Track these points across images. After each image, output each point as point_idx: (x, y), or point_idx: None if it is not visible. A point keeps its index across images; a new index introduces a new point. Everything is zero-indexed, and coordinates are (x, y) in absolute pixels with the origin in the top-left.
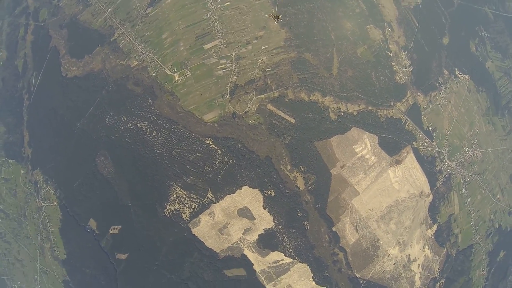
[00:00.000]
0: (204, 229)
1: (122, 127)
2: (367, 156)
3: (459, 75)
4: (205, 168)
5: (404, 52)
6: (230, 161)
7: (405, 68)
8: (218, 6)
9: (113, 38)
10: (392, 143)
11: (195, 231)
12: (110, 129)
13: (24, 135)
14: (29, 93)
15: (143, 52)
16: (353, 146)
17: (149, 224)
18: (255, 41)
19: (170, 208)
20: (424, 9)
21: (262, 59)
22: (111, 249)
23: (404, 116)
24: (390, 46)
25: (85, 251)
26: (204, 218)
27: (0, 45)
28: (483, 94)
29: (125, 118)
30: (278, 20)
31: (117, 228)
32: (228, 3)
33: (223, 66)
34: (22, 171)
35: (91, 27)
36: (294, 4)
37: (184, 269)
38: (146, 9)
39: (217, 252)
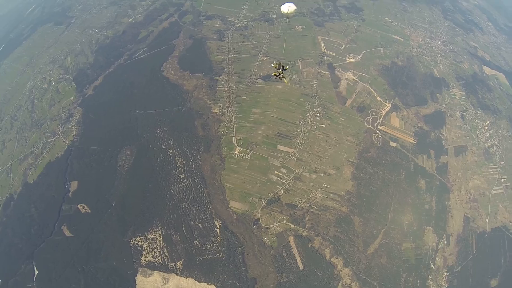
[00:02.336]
0: (147, 285)
1: (163, 147)
2: None
3: None
4: (195, 241)
5: (447, 272)
6: (220, 255)
7: None
8: (314, 122)
9: (216, 78)
10: None
11: (139, 278)
12: (154, 139)
13: (98, 79)
14: (129, 57)
15: (229, 108)
16: None
17: (109, 233)
18: (322, 174)
19: (138, 242)
20: (488, 240)
21: (316, 194)
22: (63, 219)
23: None
24: (437, 258)
25: (47, 195)
26: (156, 276)
27: (141, 13)
28: None
29: (171, 143)
30: (282, 70)
31: (86, 208)
32: (324, 126)
33: (280, 174)
34: (72, 98)
35: (209, 56)
36: (375, 166)
37: None
38: (258, 78)
39: None
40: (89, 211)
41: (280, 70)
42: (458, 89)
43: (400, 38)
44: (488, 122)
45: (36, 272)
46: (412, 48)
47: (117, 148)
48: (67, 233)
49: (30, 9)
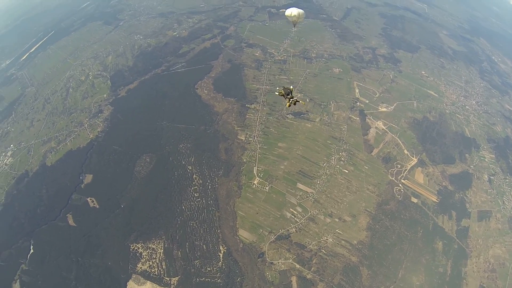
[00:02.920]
0: None
1: (183, 162)
2: None
3: None
4: (196, 261)
5: None
6: (218, 280)
7: None
8: (337, 166)
9: (248, 105)
10: None
11: (130, 284)
12: (175, 152)
13: (133, 83)
14: (167, 69)
15: (256, 138)
16: None
17: (112, 233)
18: (337, 220)
19: (138, 248)
20: None
21: (327, 239)
22: (70, 208)
23: None
24: None
25: (61, 180)
26: (149, 287)
27: (186, 29)
28: None
29: (192, 160)
30: (290, 93)
31: (95, 203)
32: (347, 171)
33: (295, 212)
34: (105, 95)
35: (244, 83)
36: (393, 219)
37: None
38: (288, 114)
39: None
40: (97, 206)
41: (290, 95)
42: (489, 152)
43: (434, 94)
44: None
45: (32, 251)
46: (445, 105)
47: (137, 153)
48: (71, 222)
49: (84, 5)
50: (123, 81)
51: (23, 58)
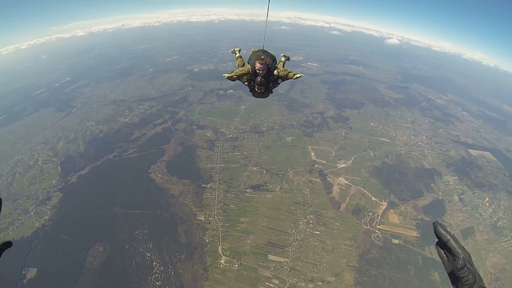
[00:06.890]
0: None
1: (141, 249)
2: None
3: None
4: None
5: None
6: None
7: None
8: (307, 229)
9: (204, 185)
10: None
11: None
12: (131, 239)
13: (84, 169)
14: (119, 154)
15: (216, 217)
16: None
17: None
18: (320, 283)
19: None
20: None
21: None
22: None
23: None
24: None
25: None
26: None
27: (137, 115)
28: None
29: (150, 246)
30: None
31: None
32: (318, 232)
33: (271, 285)
34: (54, 181)
35: (198, 164)
36: (380, 266)
37: None
38: (247, 188)
39: None
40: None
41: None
42: (451, 175)
43: (387, 140)
44: (487, 199)
45: None
46: (399, 147)
47: (89, 243)
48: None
49: (39, 91)
50: (74, 167)
51: None
